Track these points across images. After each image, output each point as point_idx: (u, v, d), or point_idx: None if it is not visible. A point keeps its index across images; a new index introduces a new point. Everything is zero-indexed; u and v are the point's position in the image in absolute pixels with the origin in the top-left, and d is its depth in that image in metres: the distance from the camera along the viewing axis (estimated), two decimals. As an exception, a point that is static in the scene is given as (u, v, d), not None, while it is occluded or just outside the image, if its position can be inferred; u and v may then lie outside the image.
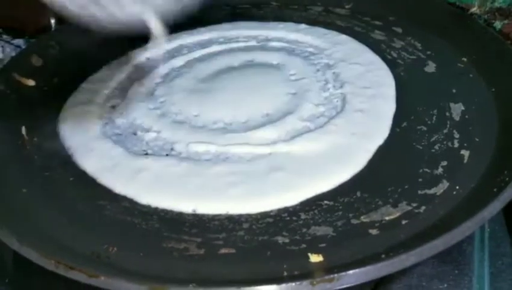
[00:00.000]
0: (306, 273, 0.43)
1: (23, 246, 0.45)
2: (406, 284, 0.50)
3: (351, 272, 0.41)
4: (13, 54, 0.87)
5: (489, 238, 0.55)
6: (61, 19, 0.77)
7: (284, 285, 0.41)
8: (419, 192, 0.50)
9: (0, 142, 0.59)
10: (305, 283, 0.41)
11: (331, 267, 0.43)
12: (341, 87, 0.63)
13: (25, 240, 0.46)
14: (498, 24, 0.81)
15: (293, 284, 0.41)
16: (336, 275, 0.41)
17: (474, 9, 0.82)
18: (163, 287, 0.42)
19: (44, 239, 0.48)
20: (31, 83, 0.67)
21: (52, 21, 0.73)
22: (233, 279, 0.44)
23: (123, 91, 0.66)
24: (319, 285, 0.41)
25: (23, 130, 0.61)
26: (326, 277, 0.41)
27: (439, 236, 0.43)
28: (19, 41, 0.88)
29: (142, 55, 0.72)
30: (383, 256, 0.42)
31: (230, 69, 0.67)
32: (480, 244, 0.54)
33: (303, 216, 0.49)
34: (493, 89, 0.60)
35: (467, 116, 0.58)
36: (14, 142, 0.60)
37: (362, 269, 0.41)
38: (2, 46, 0.88)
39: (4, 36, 0.89)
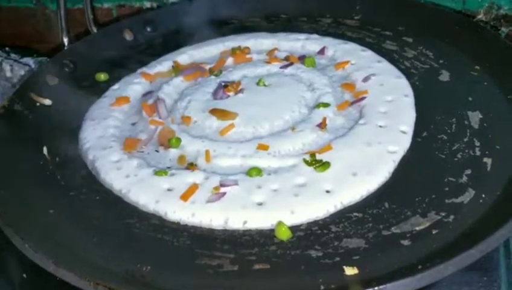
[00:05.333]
0: (343, 286, 0.44)
1: (60, 269, 0.45)
2: (436, 292, 0.51)
3: (390, 284, 0.42)
4: (22, 72, 0.88)
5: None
6: (74, 37, 0.78)
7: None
8: (447, 201, 0.51)
9: (23, 162, 0.59)
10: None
11: (368, 280, 0.43)
12: (358, 97, 0.63)
13: (60, 262, 0.46)
14: (504, 30, 0.82)
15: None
16: (375, 288, 0.42)
17: (480, 17, 0.83)
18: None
19: (77, 260, 0.48)
20: (48, 102, 0.67)
21: (65, 40, 0.73)
22: (271, 294, 0.45)
23: (140, 108, 0.66)
24: (359, 298, 0.41)
25: (45, 150, 0.61)
26: (366, 290, 0.42)
27: (475, 245, 0.44)
28: (28, 60, 0.89)
29: (154, 70, 0.72)
30: (420, 267, 0.43)
31: (246, 81, 0.68)
32: (505, 250, 0.55)
33: (334, 229, 0.50)
34: (509, 96, 0.61)
35: (485, 124, 0.59)
36: (37, 162, 0.60)
37: (401, 281, 0.42)
38: (11, 65, 0.88)
39: (12, 55, 0.89)
